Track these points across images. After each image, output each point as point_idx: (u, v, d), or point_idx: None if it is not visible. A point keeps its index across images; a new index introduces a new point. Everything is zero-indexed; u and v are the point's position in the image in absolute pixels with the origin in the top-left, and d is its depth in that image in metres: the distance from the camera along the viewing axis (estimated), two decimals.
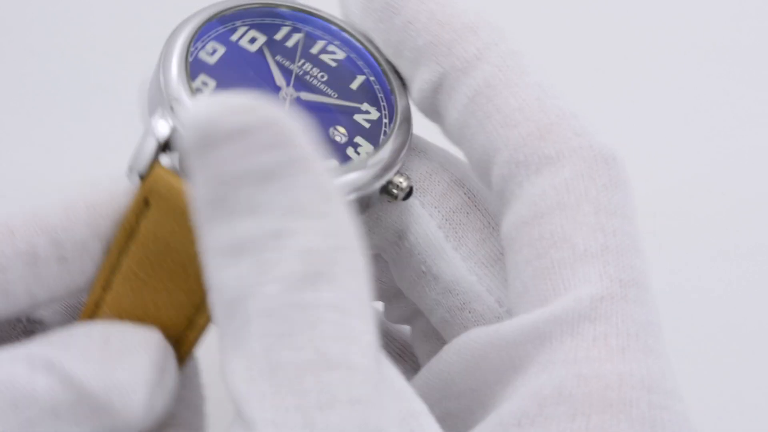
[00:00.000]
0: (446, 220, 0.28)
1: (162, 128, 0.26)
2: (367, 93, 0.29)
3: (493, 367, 0.25)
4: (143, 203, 0.25)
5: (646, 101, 0.51)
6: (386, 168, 0.28)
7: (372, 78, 0.29)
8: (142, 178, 0.25)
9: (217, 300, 0.22)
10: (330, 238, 0.22)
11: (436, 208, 0.29)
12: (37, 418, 0.23)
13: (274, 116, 0.21)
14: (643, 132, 0.51)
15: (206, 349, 0.31)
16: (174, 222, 0.25)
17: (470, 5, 0.27)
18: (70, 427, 0.24)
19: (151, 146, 0.26)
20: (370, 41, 0.29)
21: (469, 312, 0.28)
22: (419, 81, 0.28)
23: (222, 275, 0.22)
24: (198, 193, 0.22)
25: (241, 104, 0.21)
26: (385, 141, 0.28)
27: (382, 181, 0.28)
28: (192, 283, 0.25)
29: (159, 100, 0.27)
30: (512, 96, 0.26)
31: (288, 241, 0.21)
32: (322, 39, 0.30)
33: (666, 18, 0.53)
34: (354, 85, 0.29)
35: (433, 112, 0.28)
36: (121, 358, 0.24)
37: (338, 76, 0.29)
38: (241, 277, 0.21)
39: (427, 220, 0.29)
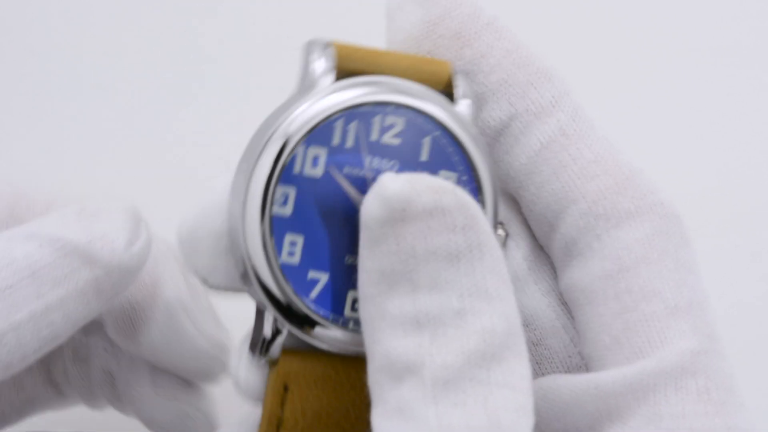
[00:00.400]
0: (531, 251, 0.29)
1: (273, 325, 0.26)
2: (439, 156, 0.27)
3: (586, 415, 0.25)
4: (283, 390, 0.26)
5: (654, 103, 0.51)
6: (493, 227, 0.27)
7: (437, 133, 0.27)
8: (273, 363, 0.26)
9: (384, 367, 0.23)
10: (506, 321, 0.23)
11: (522, 239, 0.29)
12: (16, 282, 0.25)
13: (465, 200, 0.23)
14: (654, 135, 0.51)
15: None
16: (319, 391, 0.26)
17: (543, 52, 0.28)
18: (50, 288, 0.26)
19: (271, 332, 0.26)
20: (420, 88, 0.27)
21: (545, 348, 0.28)
22: (485, 117, 0.28)
23: (399, 344, 0.23)
24: (378, 263, 0.23)
25: (436, 185, 0.23)
26: (482, 201, 0.27)
27: None
28: None
29: (248, 280, 0.26)
30: (587, 147, 0.27)
31: (469, 319, 0.23)
32: (374, 114, 0.27)
33: (679, 20, 0.53)
34: (424, 155, 0.27)
35: (493, 153, 0.28)
36: (98, 216, 0.27)
37: (406, 154, 0.27)
38: (420, 346, 0.23)
39: (513, 251, 0.29)
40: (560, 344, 0.28)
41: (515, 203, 0.29)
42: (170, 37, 0.52)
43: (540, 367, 0.28)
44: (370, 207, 0.24)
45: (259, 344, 0.26)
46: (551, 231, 0.27)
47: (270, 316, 0.26)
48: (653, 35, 0.52)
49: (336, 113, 0.27)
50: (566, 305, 0.28)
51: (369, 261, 0.24)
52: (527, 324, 0.28)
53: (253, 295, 0.26)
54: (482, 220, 0.24)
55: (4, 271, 0.26)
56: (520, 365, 0.23)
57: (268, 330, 0.26)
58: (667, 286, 0.26)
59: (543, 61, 0.28)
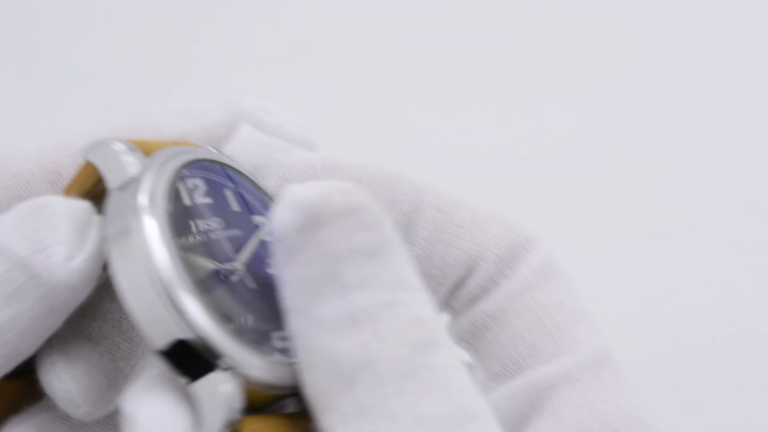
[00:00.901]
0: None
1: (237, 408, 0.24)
2: (246, 204, 0.28)
3: (520, 413, 0.28)
4: None
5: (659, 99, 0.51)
6: None
7: (232, 185, 0.28)
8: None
9: (329, 373, 0.23)
10: (430, 309, 0.24)
11: None
12: None
13: (368, 199, 0.24)
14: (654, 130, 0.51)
15: None
16: None
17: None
18: (1, 306, 0.25)
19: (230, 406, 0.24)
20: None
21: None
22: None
23: (340, 346, 0.23)
24: (305, 271, 0.24)
25: (342, 186, 0.24)
26: None
27: None
28: None
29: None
30: (463, 212, 0.29)
31: (401, 310, 0.24)
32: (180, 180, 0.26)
33: (688, 18, 0.53)
34: (234, 205, 0.27)
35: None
36: (42, 221, 0.26)
37: (220, 209, 0.27)
38: (363, 344, 0.23)
39: None
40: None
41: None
42: (169, 37, 0.52)
43: None
44: (284, 218, 0.24)
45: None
46: (455, 291, 0.29)
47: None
48: (654, 35, 0.52)
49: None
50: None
51: (290, 272, 0.24)
52: None
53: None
54: (384, 216, 0.24)
55: None
56: (454, 349, 0.24)
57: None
58: (567, 298, 0.29)
59: (385, 168, 0.29)
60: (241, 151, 0.29)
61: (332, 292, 0.24)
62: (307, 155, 0.29)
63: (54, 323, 0.26)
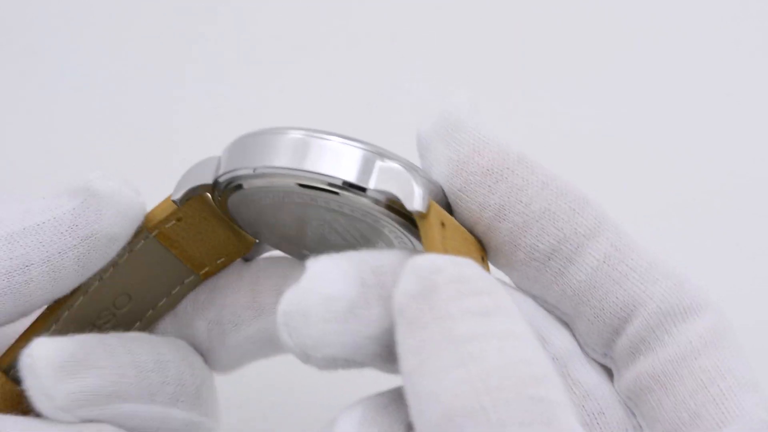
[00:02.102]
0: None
1: None
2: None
3: None
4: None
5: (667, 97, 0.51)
6: None
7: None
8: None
9: (436, 412, 0.25)
10: (540, 357, 0.26)
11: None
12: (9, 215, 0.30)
13: (481, 270, 0.26)
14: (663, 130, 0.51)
15: None
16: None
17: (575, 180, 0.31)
18: (34, 216, 0.30)
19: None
20: None
21: (609, 417, 0.30)
22: (531, 243, 0.30)
23: (448, 383, 0.25)
24: (421, 335, 0.26)
25: (454, 258, 0.26)
26: None
27: None
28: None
29: None
30: (639, 257, 0.30)
31: (509, 352, 0.25)
32: None
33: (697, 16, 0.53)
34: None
35: (541, 275, 0.31)
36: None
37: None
38: (470, 378, 0.25)
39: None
40: (618, 416, 0.30)
41: (563, 322, 0.32)
42: (169, 37, 0.51)
43: None
44: (404, 285, 0.26)
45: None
46: (615, 336, 0.30)
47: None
48: (656, 35, 0.52)
49: None
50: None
51: (409, 339, 0.26)
52: (588, 395, 0.30)
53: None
54: (501, 286, 0.27)
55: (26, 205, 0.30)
56: (565, 393, 0.26)
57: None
58: (737, 366, 0.29)
59: (577, 188, 0.30)
60: None
61: (445, 346, 0.25)
62: (503, 137, 0.30)
63: (68, 245, 0.30)
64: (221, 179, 0.30)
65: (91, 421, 0.30)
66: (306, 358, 0.27)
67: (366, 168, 0.29)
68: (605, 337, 0.30)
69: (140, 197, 0.31)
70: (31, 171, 0.50)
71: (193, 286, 0.34)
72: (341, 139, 0.29)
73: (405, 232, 0.30)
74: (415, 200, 0.28)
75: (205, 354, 0.34)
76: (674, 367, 0.29)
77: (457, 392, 0.24)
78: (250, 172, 0.29)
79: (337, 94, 0.51)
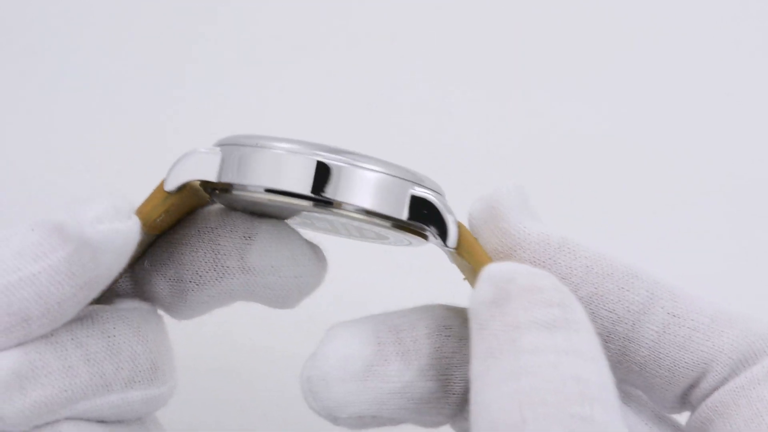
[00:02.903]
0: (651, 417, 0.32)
1: None
2: None
3: None
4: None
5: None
6: None
7: None
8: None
9: (487, 422, 0.25)
10: (600, 377, 0.26)
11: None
12: (2, 258, 0.28)
13: (556, 283, 0.27)
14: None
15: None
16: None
17: (621, 254, 0.30)
18: (28, 263, 0.28)
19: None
20: None
21: None
22: None
23: (499, 395, 0.25)
24: (489, 342, 0.26)
25: (530, 269, 0.27)
26: None
27: None
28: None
29: None
30: (699, 315, 0.30)
31: (563, 368, 0.25)
32: None
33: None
34: None
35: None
36: (86, 200, 0.29)
37: None
38: (519, 392, 0.25)
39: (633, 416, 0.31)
40: None
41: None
42: (170, 37, 0.52)
43: None
44: (479, 291, 0.27)
45: None
46: (690, 390, 0.30)
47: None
48: (656, 35, 0.52)
49: None
50: (659, 423, 0.31)
51: (479, 346, 0.26)
52: None
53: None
54: (575, 299, 0.27)
55: (0, 251, 0.28)
56: (616, 414, 0.25)
57: None
58: None
59: (624, 263, 0.30)
60: None
61: (507, 357, 0.26)
62: (543, 228, 0.30)
63: (69, 290, 0.28)
64: (224, 180, 0.30)
65: (46, 424, 0.29)
66: (334, 420, 0.29)
67: (398, 199, 0.29)
68: (679, 395, 0.30)
69: (132, 219, 0.29)
70: (31, 171, 0.50)
71: (149, 243, 0.33)
72: (368, 165, 0.29)
73: (407, 234, 0.30)
74: (450, 239, 0.29)
75: (165, 308, 0.33)
76: (733, 396, 0.29)
77: (504, 405, 0.25)
78: (261, 191, 0.29)
79: (337, 94, 0.51)
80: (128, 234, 0.29)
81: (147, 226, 0.30)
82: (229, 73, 0.51)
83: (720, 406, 0.29)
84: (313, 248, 0.32)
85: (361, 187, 0.29)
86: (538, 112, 0.51)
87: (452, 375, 0.30)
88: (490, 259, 0.29)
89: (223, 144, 0.30)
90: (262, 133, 0.30)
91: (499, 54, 0.51)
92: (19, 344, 0.28)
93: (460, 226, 0.29)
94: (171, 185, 0.30)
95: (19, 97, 0.51)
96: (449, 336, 0.30)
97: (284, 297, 0.32)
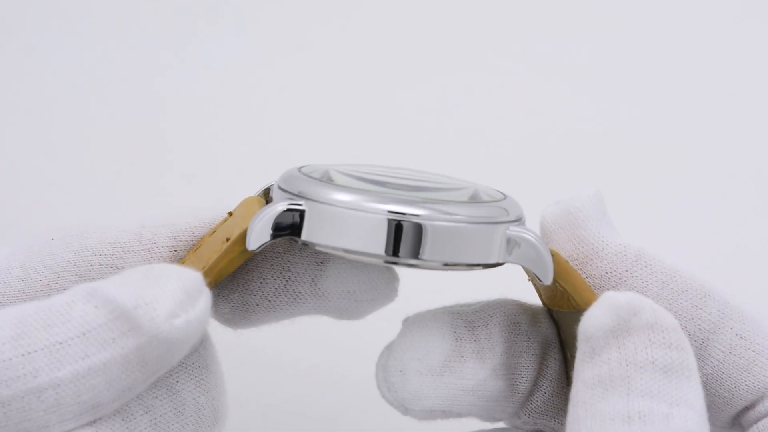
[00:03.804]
0: None
1: None
2: None
3: None
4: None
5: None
6: None
7: None
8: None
9: None
10: (703, 429, 0.26)
11: None
12: (66, 339, 0.25)
13: (677, 323, 0.27)
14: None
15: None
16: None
17: (695, 271, 0.31)
18: (97, 351, 0.26)
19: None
20: None
21: None
22: None
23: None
24: (601, 369, 0.26)
25: (655, 305, 0.27)
26: None
27: None
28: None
29: None
30: (766, 340, 0.30)
31: (675, 421, 0.25)
32: None
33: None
34: None
35: None
36: (156, 281, 0.27)
37: None
38: None
39: None
40: None
41: None
42: (170, 37, 0.52)
43: None
44: (599, 317, 0.26)
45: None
46: (744, 412, 0.30)
47: None
48: (656, 35, 0.52)
49: None
50: None
51: (588, 370, 0.26)
52: None
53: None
54: (689, 344, 0.27)
55: (59, 327, 0.26)
56: None
57: None
58: None
59: (699, 280, 0.30)
60: None
61: (619, 392, 0.26)
62: (621, 240, 0.30)
63: (141, 378, 0.26)
64: (310, 241, 0.28)
65: None
66: (404, 410, 0.29)
67: (488, 245, 0.28)
68: (733, 416, 0.30)
69: (203, 297, 0.27)
70: (31, 171, 0.50)
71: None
72: (452, 212, 0.27)
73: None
74: (547, 277, 0.28)
75: (221, 321, 0.32)
76: None
77: None
78: (342, 252, 0.28)
79: (337, 94, 0.51)
80: (202, 319, 0.27)
81: (215, 282, 0.29)
82: (229, 73, 0.51)
83: (761, 427, 0.30)
84: (388, 269, 0.31)
85: (448, 243, 0.27)
86: (537, 111, 0.51)
87: (519, 375, 0.30)
88: (588, 287, 0.29)
89: (303, 196, 0.28)
90: (338, 177, 0.28)
91: (499, 53, 0.52)
92: (89, 423, 0.26)
93: (554, 255, 0.28)
94: (254, 245, 0.28)
95: (19, 97, 0.51)
96: (519, 334, 0.30)
97: (356, 314, 0.31)
